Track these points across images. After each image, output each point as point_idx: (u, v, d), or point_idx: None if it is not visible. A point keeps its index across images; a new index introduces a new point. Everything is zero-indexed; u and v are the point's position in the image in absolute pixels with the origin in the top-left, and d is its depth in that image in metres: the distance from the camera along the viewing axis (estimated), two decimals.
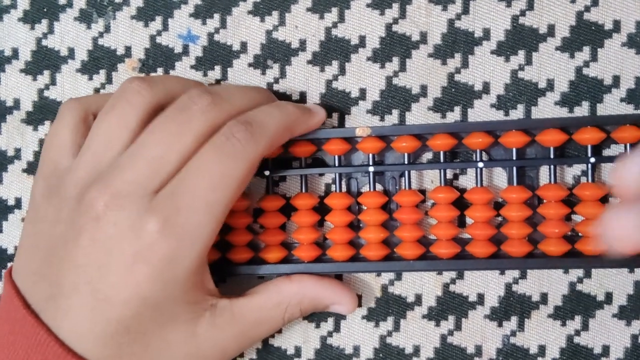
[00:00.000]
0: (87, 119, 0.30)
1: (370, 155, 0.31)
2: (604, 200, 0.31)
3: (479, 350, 0.32)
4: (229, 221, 0.32)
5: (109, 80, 0.35)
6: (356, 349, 0.33)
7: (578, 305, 0.32)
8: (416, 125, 0.31)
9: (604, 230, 0.20)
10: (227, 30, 0.34)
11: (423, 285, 0.32)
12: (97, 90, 0.35)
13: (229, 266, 0.32)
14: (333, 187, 0.33)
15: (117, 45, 0.34)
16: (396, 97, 0.33)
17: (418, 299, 0.32)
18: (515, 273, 0.32)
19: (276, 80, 0.33)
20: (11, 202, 0.35)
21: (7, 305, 0.28)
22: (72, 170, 0.28)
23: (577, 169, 0.32)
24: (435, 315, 0.32)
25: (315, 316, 0.33)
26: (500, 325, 0.32)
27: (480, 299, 0.32)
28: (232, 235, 0.32)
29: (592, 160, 0.30)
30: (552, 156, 0.30)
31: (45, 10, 0.35)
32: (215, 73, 0.34)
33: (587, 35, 0.31)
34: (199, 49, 0.34)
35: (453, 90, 0.32)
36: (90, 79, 0.35)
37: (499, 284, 0.32)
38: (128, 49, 0.34)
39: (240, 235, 0.32)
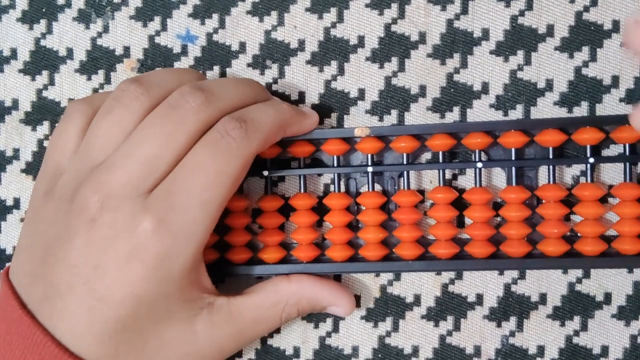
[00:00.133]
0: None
1: (369, 156, 0.31)
2: (603, 200, 0.31)
3: (477, 350, 0.32)
4: (228, 221, 0.32)
5: (108, 80, 0.35)
6: (355, 350, 0.33)
7: (577, 306, 0.32)
8: (415, 126, 0.31)
9: (627, 38, 0.23)
10: (225, 30, 0.34)
11: (422, 285, 0.32)
12: (95, 91, 0.35)
13: (228, 266, 0.32)
14: (332, 188, 0.33)
15: (115, 45, 0.34)
16: (395, 98, 0.33)
17: (417, 300, 0.32)
18: (514, 273, 0.32)
19: (275, 81, 0.33)
20: (9, 203, 0.35)
21: (4, 305, 0.28)
22: (68, 172, 0.28)
23: (576, 169, 0.32)
24: (434, 315, 0.32)
25: (314, 316, 0.33)
26: (499, 325, 0.32)
27: (479, 299, 0.32)
28: (231, 236, 0.32)
29: (591, 160, 0.30)
30: (551, 156, 0.30)
31: (43, 10, 0.35)
32: (214, 73, 0.34)
33: (586, 35, 0.31)
34: (198, 49, 0.34)
35: (452, 90, 0.32)
36: (89, 79, 0.35)
37: (498, 284, 0.32)
38: (127, 49, 0.34)
39: (238, 235, 0.32)
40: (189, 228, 0.26)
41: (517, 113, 0.32)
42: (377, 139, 0.31)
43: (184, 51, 0.34)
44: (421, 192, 0.33)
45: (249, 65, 0.33)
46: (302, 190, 0.32)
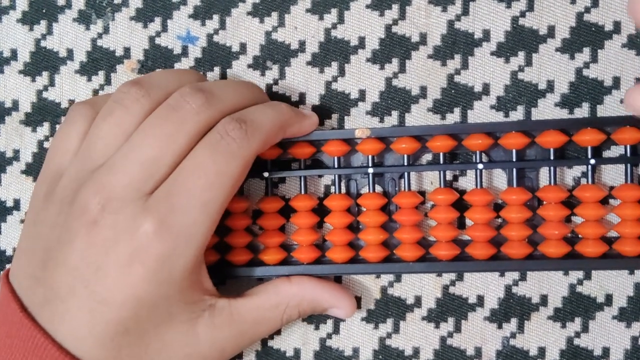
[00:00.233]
0: None
1: (370, 157, 0.31)
2: (604, 201, 0.31)
3: (478, 352, 0.32)
4: (228, 223, 0.32)
5: (108, 81, 0.34)
6: (355, 351, 0.33)
7: (578, 307, 0.31)
8: (416, 127, 0.31)
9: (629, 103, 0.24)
10: (226, 31, 0.34)
11: (422, 287, 0.32)
12: (95, 92, 0.35)
13: (228, 268, 0.32)
14: (332, 189, 0.33)
15: (116, 46, 0.34)
16: (396, 99, 0.32)
17: (417, 301, 0.32)
18: (515, 275, 0.32)
19: (275, 82, 0.33)
20: (9, 204, 0.35)
21: (4, 308, 0.28)
22: (69, 174, 0.28)
23: (577, 170, 0.32)
24: (435, 317, 0.32)
25: (315, 318, 0.33)
26: (500, 327, 0.32)
27: (480, 300, 0.32)
28: (231, 237, 0.32)
29: (592, 161, 0.30)
30: (552, 157, 0.30)
31: (44, 11, 0.35)
32: (215, 74, 0.34)
33: (587, 36, 0.31)
34: (198, 50, 0.34)
35: (453, 91, 0.32)
36: (89, 80, 0.35)
37: (499, 285, 0.32)
38: (127, 50, 0.34)
39: (239, 237, 0.32)
40: (190, 229, 0.26)
41: (517, 114, 0.32)
42: (377, 140, 0.31)
43: (185, 52, 0.34)
44: (422, 193, 0.33)
45: (249, 66, 0.33)
46: (302, 192, 0.32)
